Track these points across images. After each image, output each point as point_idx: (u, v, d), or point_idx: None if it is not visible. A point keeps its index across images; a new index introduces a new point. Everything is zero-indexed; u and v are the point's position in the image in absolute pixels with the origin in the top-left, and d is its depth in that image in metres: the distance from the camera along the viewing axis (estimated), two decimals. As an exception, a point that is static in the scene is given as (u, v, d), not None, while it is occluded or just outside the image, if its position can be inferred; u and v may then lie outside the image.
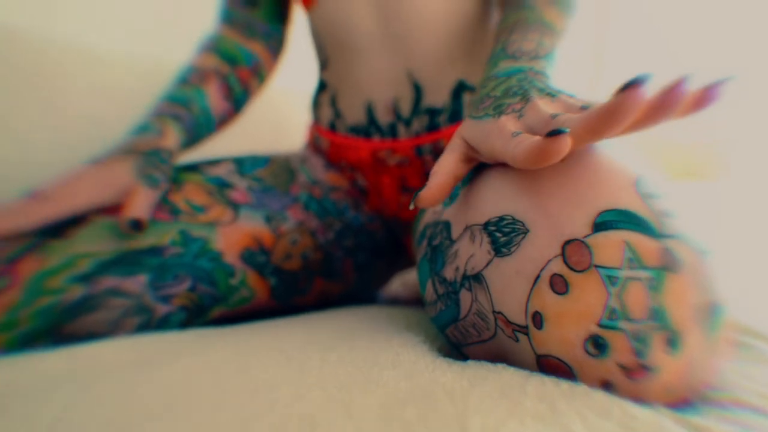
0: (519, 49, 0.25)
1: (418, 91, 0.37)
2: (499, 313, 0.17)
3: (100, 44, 0.58)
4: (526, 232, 0.17)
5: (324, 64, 0.41)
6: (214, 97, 0.38)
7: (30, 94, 0.45)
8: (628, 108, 0.13)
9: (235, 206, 0.33)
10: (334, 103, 0.41)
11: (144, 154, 0.30)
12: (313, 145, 0.46)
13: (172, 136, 0.33)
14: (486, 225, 0.19)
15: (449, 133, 0.37)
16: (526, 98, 0.20)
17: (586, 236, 0.16)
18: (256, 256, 0.32)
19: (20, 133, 0.44)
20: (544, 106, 0.19)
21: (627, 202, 0.16)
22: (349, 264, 0.39)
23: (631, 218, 0.16)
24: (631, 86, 0.13)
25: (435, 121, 0.37)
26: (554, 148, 0.14)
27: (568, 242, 0.16)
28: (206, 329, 0.27)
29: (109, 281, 0.25)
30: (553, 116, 0.17)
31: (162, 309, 0.27)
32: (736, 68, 1.29)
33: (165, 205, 0.30)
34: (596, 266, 0.15)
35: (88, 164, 0.29)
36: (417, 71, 0.36)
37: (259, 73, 0.43)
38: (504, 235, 0.18)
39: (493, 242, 0.18)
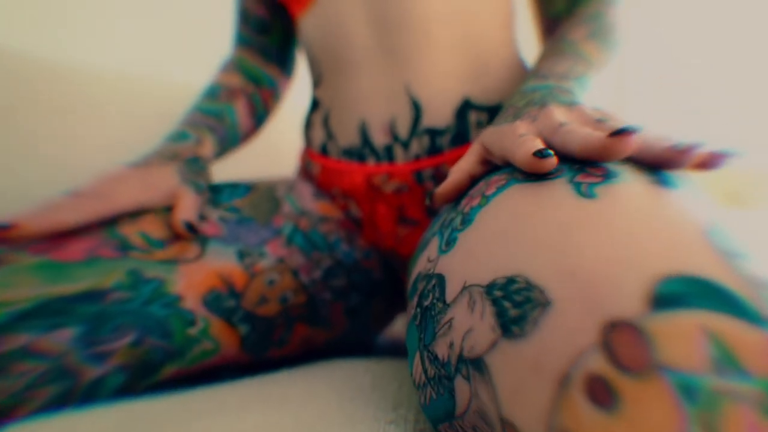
0: (549, 70, 0.26)
1: (417, 109, 0.32)
2: (509, 423, 0.12)
3: (124, 70, 0.58)
4: (546, 303, 0.12)
5: (317, 80, 0.37)
6: (241, 114, 0.40)
7: (55, 120, 0.47)
8: (616, 152, 0.15)
9: (202, 240, 0.29)
10: (326, 123, 0.37)
11: (186, 160, 0.31)
12: (304, 171, 0.42)
13: (208, 146, 0.34)
14: (490, 288, 0.14)
15: (453, 157, 0.32)
16: (542, 106, 0.20)
17: (641, 316, 0.10)
18: (223, 299, 0.28)
19: (46, 159, 0.45)
20: (557, 114, 0.19)
21: (700, 264, 0.11)
22: (338, 308, 0.34)
23: (710, 291, 0.10)
24: (621, 134, 0.14)
25: (437, 143, 0.32)
26: (542, 165, 0.16)
27: (612, 325, 0.10)
28: (142, 402, 0.21)
29: (18, 339, 0.21)
30: (562, 124, 0.18)
31: (92, 372, 0.22)
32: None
33: (111, 239, 0.25)
34: (661, 368, 0.09)
35: (129, 166, 0.28)
36: (416, 87, 0.32)
37: (276, 95, 0.45)
38: (515, 305, 0.12)
39: (500, 315, 0.13)
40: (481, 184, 0.19)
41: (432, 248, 0.19)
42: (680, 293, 0.10)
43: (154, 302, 0.25)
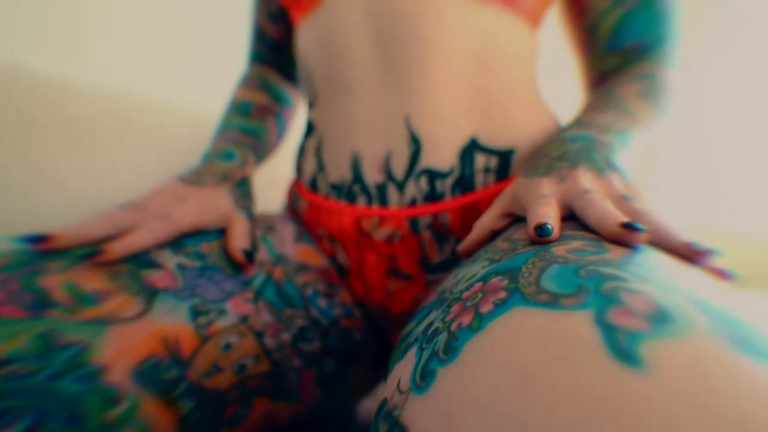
0: (592, 121, 0.25)
1: (416, 144, 0.28)
2: None
3: (148, 93, 0.57)
4: None
5: (312, 100, 0.33)
6: (271, 133, 0.39)
7: (77, 142, 0.47)
8: (625, 242, 0.15)
9: (149, 294, 0.23)
10: (319, 152, 0.33)
11: (236, 183, 0.31)
12: (291, 206, 0.37)
13: (251, 167, 0.34)
14: None
15: (454, 207, 0.28)
16: (574, 166, 0.21)
17: None
18: (162, 369, 0.22)
19: (66, 182, 0.45)
20: (585, 180, 0.19)
21: None
22: (309, 377, 0.28)
23: None
24: (631, 230, 0.15)
25: (436, 188, 0.28)
26: (540, 239, 0.17)
27: None
28: None
29: None
30: (587, 191, 0.18)
31: None
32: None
33: (24, 293, 0.20)
34: None
35: (183, 183, 0.29)
36: (417, 119, 0.28)
37: (293, 116, 0.44)
38: None
39: None
40: (478, 286, 0.15)
41: (406, 368, 0.14)
42: None
43: (66, 375, 0.19)
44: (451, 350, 0.12)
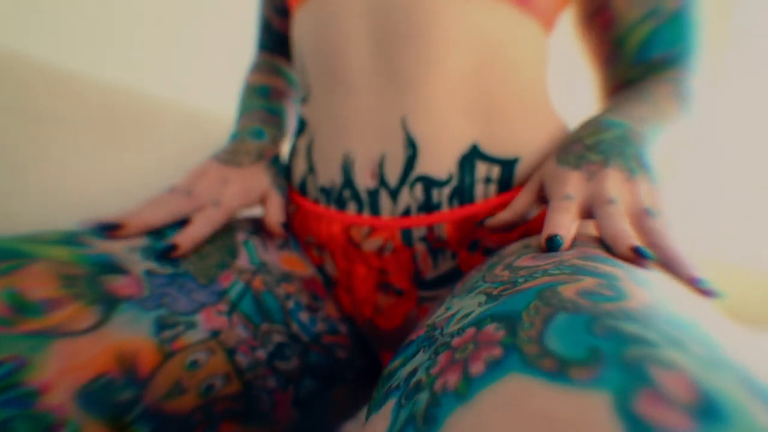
0: (628, 110, 0.25)
1: (412, 148, 0.26)
2: None
3: (143, 89, 0.56)
4: None
5: (306, 95, 0.31)
6: (289, 116, 0.39)
7: (67, 135, 0.46)
8: (634, 264, 0.16)
9: (108, 303, 0.21)
10: (309, 152, 0.30)
11: (271, 161, 0.32)
12: (277, 210, 0.35)
13: (279, 145, 0.35)
14: None
15: (451, 219, 0.25)
16: (606, 164, 0.21)
17: None
18: (113, 390, 0.20)
19: (89, 179, 0.46)
20: (611, 185, 0.20)
21: None
22: (284, 398, 0.26)
23: None
24: (639, 254, 0.16)
25: (432, 197, 0.26)
26: (547, 249, 0.18)
27: None
28: None
29: None
30: (611, 202, 0.19)
31: None
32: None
33: None
34: None
35: (221, 164, 0.30)
36: (414, 122, 0.25)
37: None
38: None
39: None
40: (470, 333, 0.13)
41: (380, 426, 0.12)
42: None
43: None
44: (431, 420, 0.10)
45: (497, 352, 0.11)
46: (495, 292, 0.15)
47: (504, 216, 0.24)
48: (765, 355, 0.10)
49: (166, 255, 0.24)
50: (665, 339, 0.10)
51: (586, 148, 0.23)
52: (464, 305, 0.16)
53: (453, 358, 0.12)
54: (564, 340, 0.10)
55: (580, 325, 0.10)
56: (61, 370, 0.18)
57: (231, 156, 0.31)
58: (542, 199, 0.24)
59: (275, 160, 0.33)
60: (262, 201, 0.30)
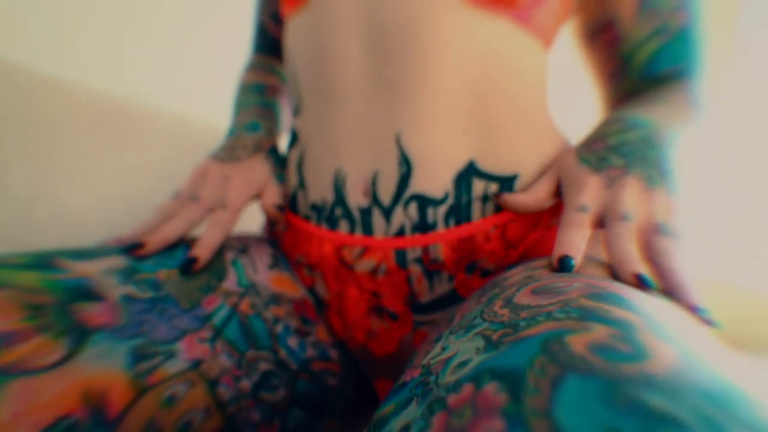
0: (648, 111, 0.25)
1: (406, 165, 0.24)
2: None
3: (136, 98, 0.56)
4: None
5: (297, 107, 0.30)
6: (284, 112, 0.39)
7: (89, 148, 0.47)
8: (635, 288, 0.16)
9: (79, 334, 0.20)
10: (300, 166, 0.29)
11: (269, 152, 0.32)
12: (269, 227, 0.34)
13: (275, 137, 0.35)
14: None
15: (447, 239, 0.24)
16: (627, 170, 0.21)
17: None
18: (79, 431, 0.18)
19: (83, 187, 0.46)
20: (628, 198, 0.20)
21: None
22: (270, 431, 0.24)
23: None
24: (642, 282, 0.16)
25: (427, 217, 0.24)
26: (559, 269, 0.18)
27: None
28: None
29: None
30: (624, 218, 0.19)
31: None
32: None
33: None
34: None
35: (220, 161, 0.30)
36: (409, 138, 0.24)
37: None
38: None
39: None
40: (467, 392, 0.11)
41: None
42: None
43: None
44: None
45: (499, 425, 0.09)
46: (494, 337, 0.13)
47: (522, 198, 0.23)
48: None
49: (188, 269, 0.24)
50: (700, 419, 0.08)
51: (608, 148, 0.23)
52: (461, 349, 0.14)
53: (449, 424, 0.10)
54: (577, 416, 0.08)
55: (595, 395, 0.09)
56: (17, 414, 0.17)
57: (229, 152, 0.31)
58: (557, 191, 0.24)
59: (273, 150, 0.33)
60: (262, 192, 0.30)
